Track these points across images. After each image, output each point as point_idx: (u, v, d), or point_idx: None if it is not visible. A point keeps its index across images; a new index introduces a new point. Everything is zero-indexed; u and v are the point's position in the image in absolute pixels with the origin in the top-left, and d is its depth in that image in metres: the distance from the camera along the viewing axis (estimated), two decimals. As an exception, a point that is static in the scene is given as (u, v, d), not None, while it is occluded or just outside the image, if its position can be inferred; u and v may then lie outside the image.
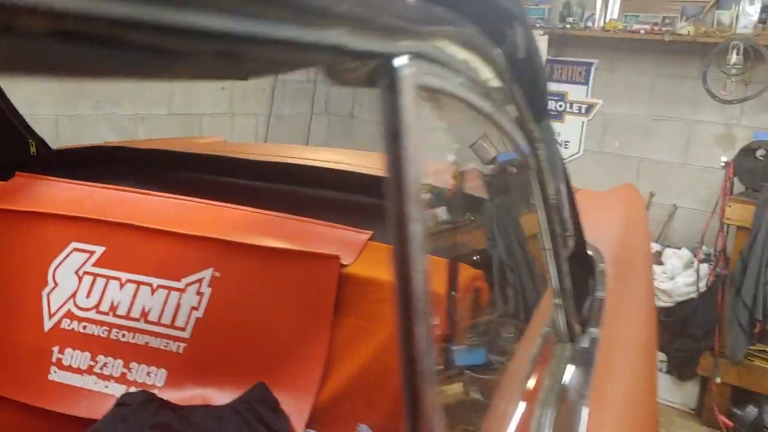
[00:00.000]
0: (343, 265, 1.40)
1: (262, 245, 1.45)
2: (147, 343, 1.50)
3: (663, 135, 3.75)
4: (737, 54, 3.23)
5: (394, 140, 0.41)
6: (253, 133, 4.62)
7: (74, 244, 1.57)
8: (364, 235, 1.48)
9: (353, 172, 1.75)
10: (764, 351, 3.08)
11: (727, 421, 3.16)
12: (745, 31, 3.30)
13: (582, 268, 1.41)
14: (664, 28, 3.55)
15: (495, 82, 0.64)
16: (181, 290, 1.50)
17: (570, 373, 0.92)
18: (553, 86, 4.06)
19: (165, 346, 1.50)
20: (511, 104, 0.74)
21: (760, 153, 3.01)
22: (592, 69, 3.92)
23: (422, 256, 0.43)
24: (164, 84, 4.28)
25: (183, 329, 1.49)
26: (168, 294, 1.51)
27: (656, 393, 1.38)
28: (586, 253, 1.41)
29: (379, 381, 1.32)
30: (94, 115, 3.73)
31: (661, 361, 3.44)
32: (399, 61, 0.40)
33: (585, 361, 0.97)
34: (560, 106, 4.06)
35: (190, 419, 1.32)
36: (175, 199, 1.59)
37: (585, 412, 0.83)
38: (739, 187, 3.19)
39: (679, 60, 3.60)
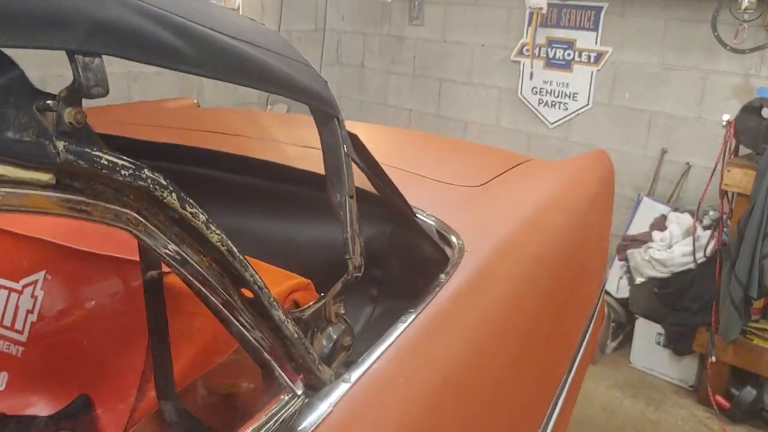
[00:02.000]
0: (163, 273, 1.30)
1: (84, 249, 1.36)
2: (-7, 344, 1.46)
3: (676, 86, 3.41)
4: (750, -4, 2.85)
5: None
6: (257, 87, 4.50)
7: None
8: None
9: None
10: (765, 329, 2.81)
11: (723, 401, 2.93)
12: (766, -33, 2.91)
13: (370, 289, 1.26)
14: (677, -33, 3.18)
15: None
16: (19, 292, 1.44)
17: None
18: (560, 33, 3.75)
19: (6, 349, 1.45)
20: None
21: (765, 112, 2.67)
22: (602, 13, 3.58)
23: None
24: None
25: (21, 332, 1.43)
26: (8, 295, 1.45)
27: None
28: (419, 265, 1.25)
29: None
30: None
31: (658, 333, 3.21)
32: None
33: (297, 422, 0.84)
34: (568, 54, 3.74)
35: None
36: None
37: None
38: (746, 149, 2.86)
39: (692, 2, 3.23)
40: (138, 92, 3.88)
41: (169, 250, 0.72)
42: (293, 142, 2.00)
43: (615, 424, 2.92)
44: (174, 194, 0.69)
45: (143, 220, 0.68)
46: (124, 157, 0.64)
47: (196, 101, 3.11)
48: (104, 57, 0.63)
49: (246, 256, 0.78)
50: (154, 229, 0.69)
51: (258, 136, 2.16)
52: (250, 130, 2.24)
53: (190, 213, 0.71)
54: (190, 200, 0.71)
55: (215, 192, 1.73)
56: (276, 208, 1.69)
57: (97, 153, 0.62)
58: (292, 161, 1.72)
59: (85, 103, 0.63)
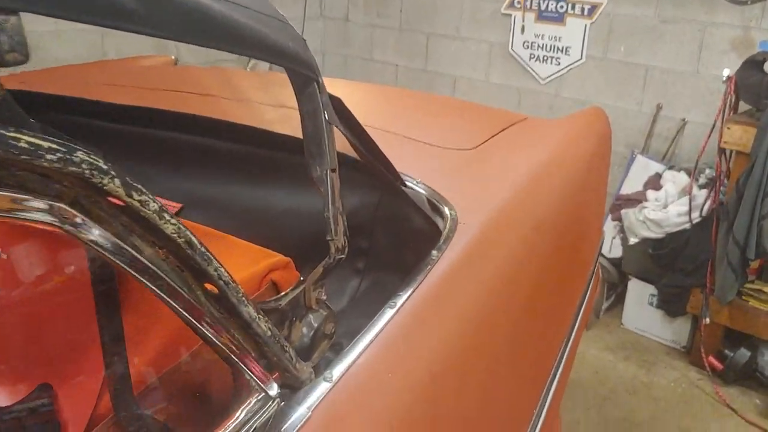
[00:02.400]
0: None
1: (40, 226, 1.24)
2: (-53, 328, 1.35)
3: (673, 39, 3.28)
4: (754, -58, 2.71)
5: None
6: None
7: None
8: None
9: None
10: (761, 290, 2.75)
11: (716, 363, 2.88)
12: None
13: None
14: None
15: None
16: (-28, 272, 1.33)
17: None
18: (553, -16, 3.59)
19: (-37, 333, 1.34)
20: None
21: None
22: (596, -38, 3.42)
23: None
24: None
25: (-23, 315, 1.33)
26: (-37, 275, 1.34)
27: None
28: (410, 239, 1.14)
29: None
30: (55, 30, 3.49)
31: (651, 294, 3.15)
32: None
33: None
34: (561, 7, 3.59)
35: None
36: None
37: None
38: (745, 105, 2.75)
39: (692, -50, 3.08)
40: (113, 49, 3.70)
41: (115, 245, 0.61)
42: (272, 104, 1.87)
43: (607, 387, 2.87)
44: (117, 179, 0.57)
45: (79, 213, 0.57)
46: (52, 138, 0.52)
47: (174, 58, 2.94)
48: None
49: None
50: (94, 222, 0.58)
51: (234, 96, 2.02)
52: (225, 90, 2.10)
53: (139, 201, 0.60)
54: (138, 186, 0.59)
55: (185, 158, 1.60)
56: (252, 175, 1.57)
57: (13, 134, 0.50)
58: (270, 124, 1.59)
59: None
